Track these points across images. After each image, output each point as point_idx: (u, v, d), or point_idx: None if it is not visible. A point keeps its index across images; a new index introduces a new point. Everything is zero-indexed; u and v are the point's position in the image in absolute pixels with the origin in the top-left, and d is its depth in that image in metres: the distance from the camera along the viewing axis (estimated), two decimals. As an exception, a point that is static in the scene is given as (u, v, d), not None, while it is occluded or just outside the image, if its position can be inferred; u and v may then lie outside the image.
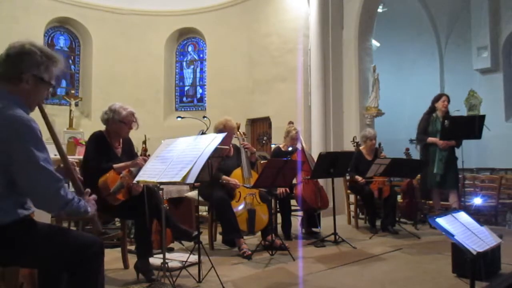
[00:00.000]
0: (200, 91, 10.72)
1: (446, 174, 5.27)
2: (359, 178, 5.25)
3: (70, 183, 2.00)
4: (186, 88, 10.82)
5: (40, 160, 1.66)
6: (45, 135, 1.83)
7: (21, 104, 1.77)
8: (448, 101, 5.47)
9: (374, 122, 7.66)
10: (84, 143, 8.17)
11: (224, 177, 4.14)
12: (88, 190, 1.98)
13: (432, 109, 5.50)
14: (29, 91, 1.80)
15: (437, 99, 5.51)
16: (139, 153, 3.46)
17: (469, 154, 5.50)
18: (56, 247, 1.74)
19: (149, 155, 3.21)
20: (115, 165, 3.18)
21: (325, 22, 7.62)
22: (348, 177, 5.55)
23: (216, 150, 2.75)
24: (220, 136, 2.71)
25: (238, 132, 4.43)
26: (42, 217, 2.70)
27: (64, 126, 8.96)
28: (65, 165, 1.99)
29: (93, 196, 2.00)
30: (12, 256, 1.71)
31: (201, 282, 3.02)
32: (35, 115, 1.88)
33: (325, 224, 4.95)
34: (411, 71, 11.68)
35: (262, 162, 5.01)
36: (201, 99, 10.64)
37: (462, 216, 2.53)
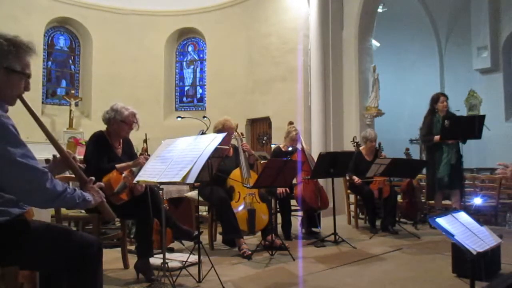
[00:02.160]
0: (200, 91, 10.72)
1: (452, 174, 5.23)
2: (355, 178, 5.25)
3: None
4: (186, 88, 10.82)
5: (16, 156, 1.58)
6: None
7: None
8: (447, 100, 5.45)
9: (374, 122, 7.66)
10: (84, 143, 8.17)
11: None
12: (92, 178, 1.90)
13: (433, 110, 5.47)
14: (2, 84, 1.70)
15: (435, 100, 5.46)
16: (139, 153, 3.46)
17: (469, 154, 5.50)
18: (53, 247, 1.71)
19: (149, 155, 3.20)
20: (117, 165, 3.18)
21: (325, 22, 7.62)
22: (347, 177, 5.55)
23: (216, 150, 2.75)
24: (220, 136, 2.71)
25: (236, 133, 4.43)
26: (42, 216, 2.70)
27: (64, 126, 8.97)
28: (61, 154, 1.92)
29: (98, 183, 1.92)
30: (9, 256, 1.70)
31: (201, 282, 3.02)
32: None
33: (325, 224, 4.95)
34: (411, 71, 11.69)
35: (262, 162, 5.01)
36: (201, 99, 10.65)
37: (462, 216, 2.53)
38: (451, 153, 5.26)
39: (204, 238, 4.00)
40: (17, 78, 1.74)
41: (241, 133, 4.54)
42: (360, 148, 5.62)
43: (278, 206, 4.80)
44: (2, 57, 1.68)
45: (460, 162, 5.31)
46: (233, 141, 4.49)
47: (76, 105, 9.30)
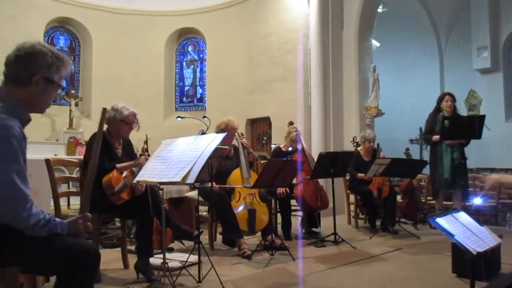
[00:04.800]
0: (200, 91, 10.73)
1: (455, 174, 5.20)
2: (361, 175, 5.22)
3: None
4: (186, 88, 10.83)
5: (11, 171, 1.57)
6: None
7: (18, 106, 1.70)
8: (454, 100, 5.38)
9: (374, 122, 7.66)
10: (84, 143, 8.19)
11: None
12: (87, 214, 1.84)
13: (438, 109, 5.44)
14: (38, 93, 1.74)
15: (441, 99, 5.43)
16: (139, 153, 3.46)
17: (469, 154, 5.48)
18: (51, 252, 1.68)
19: (149, 155, 3.21)
20: (118, 165, 3.19)
21: (325, 22, 7.62)
22: (348, 177, 5.55)
23: (216, 150, 2.75)
24: (220, 136, 2.71)
25: (236, 133, 4.43)
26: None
27: (64, 126, 8.98)
28: (88, 180, 1.95)
29: (88, 224, 1.83)
30: (8, 258, 1.68)
31: (201, 282, 3.02)
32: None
33: (325, 224, 4.95)
34: (411, 71, 11.69)
35: (262, 162, 5.00)
36: (201, 99, 10.66)
37: (462, 216, 2.53)
38: (453, 152, 5.24)
39: (204, 238, 3.99)
40: (53, 90, 1.81)
41: (241, 133, 4.54)
42: (358, 148, 5.62)
43: (278, 206, 4.80)
44: (46, 68, 1.74)
45: (463, 163, 5.28)
46: (234, 141, 4.49)
47: (76, 105, 9.31)
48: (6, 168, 1.58)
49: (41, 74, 1.72)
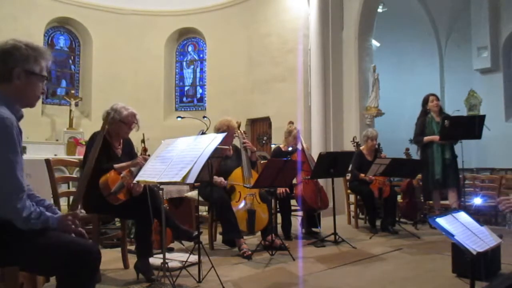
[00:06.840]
0: (200, 91, 10.73)
1: (447, 173, 5.25)
2: (362, 175, 5.22)
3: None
4: (186, 88, 10.83)
5: (10, 161, 1.62)
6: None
7: (9, 102, 1.74)
8: (438, 99, 5.47)
9: (374, 122, 7.66)
10: (84, 143, 8.18)
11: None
12: (76, 212, 1.91)
13: (425, 111, 5.49)
14: (22, 86, 1.77)
15: (426, 101, 5.50)
16: (139, 153, 3.46)
17: (469, 154, 5.49)
18: (52, 252, 1.68)
19: (149, 155, 3.20)
20: (115, 165, 3.18)
21: (325, 22, 7.62)
22: (348, 177, 5.54)
23: (216, 150, 2.75)
24: (220, 136, 2.71)
25: (238, 131, 4.43)
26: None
27: (64, 126, 8.98)
28: (82, 179, 1.97)
29: (76, 222, 1.86)
30: (9, 257, 1.69)
31: (201, 282, 3.02)
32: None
33: (325, 224, 4.95)
34: (411, 71, 11.68)
35: (262, 162, 5.01)
36: (201, 99, 10.66)
37: (462, 216, 2.53)
38: (445, 152, 5.26)
39: (204, 238, 3.99)
40: (37, 81, 1.82)
41: (244, 131, 4.53)
42: (361, 148, 5.61)
43: (278, 206, 4.80)
44: (24, 61, 1.76)
45: (454, 161, 5.32)
46: (236, 140, 4.49)
47: (76, 105, 9.31)
48: (7, 158, 1.62)
49: (20, 67, 1.75)
